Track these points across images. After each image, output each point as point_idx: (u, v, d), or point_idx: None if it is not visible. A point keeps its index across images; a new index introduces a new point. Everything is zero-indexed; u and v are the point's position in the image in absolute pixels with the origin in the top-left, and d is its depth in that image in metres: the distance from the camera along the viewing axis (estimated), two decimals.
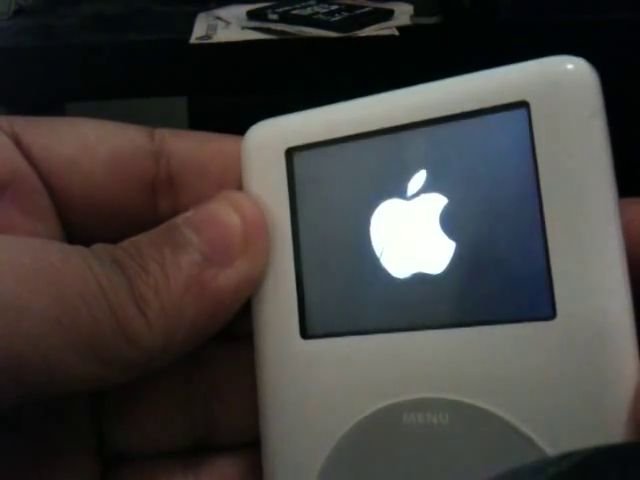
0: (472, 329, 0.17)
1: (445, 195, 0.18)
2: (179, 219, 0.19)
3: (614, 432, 0.16)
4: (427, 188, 0.18)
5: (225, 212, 0.19)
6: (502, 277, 0.17)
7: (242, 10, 0.62)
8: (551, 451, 0.17)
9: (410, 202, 0.18)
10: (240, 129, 0.21)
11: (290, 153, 0.20)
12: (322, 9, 0.60)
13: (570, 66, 0.17)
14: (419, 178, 0.18)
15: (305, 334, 0.19)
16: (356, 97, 0.19)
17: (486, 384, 0.17)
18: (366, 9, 0.60)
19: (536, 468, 0.16)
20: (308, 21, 0.58)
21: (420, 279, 0.18)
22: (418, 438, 0.18)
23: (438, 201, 0.18)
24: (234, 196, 0.19)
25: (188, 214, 0.19)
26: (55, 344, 0.16)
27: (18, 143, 0.19)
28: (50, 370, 0.16)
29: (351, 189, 0.19)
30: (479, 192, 0.17)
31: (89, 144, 0.20)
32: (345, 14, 0.59)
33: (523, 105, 0.17)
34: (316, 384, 0.19)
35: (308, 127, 0.20)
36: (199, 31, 0.58)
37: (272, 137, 0.20)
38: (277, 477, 0.19)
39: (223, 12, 0.64)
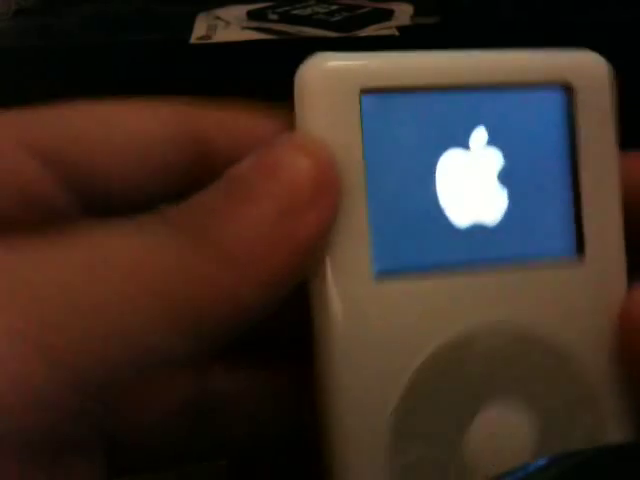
0: (520, 270, 0.21)
1: (502, 152, 0.21)
2: (243, 168, 0.18)
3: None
4: (487, 143, 0.21)
5: (293, 156, 0.18)
6: (543, 227, 0.21)
7: (242, 10, 0.62)
8: (589, 370, 0.21)
9: (472, 153, 0.21)
10: None
11: (363, 94, 0.20)
12: (322, 9, 0.60)
13: (599, 60, 0.21)
14: (480, 133, 0.21)
15: (376, 276, 0.20)
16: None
17: (534, 314, 0.21)
18: (366, 9, 0.60)
19: (537, 468, 0.16)
20: (308, 21, 0.58)
21: (477, 229, 0.21)
22: (484, 363, 0.21)
23: (496, 156, 0.21)
24: (300, 139, 0.19)
25: (251, 161, 0.18)
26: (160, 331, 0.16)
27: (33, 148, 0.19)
28: (157, 359, 0.16)
29: (419, 138, 0.20)
30: (528, 151, 0.21)
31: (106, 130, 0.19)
32: (345, 14, 0.59)
33: (568, 86, 0.21)
34: (386, 323, 0.20)
35: (382, 70, 0.20)
36: (199, 31, 0.58)
37: (342, 74, 0.20)
38: (347, 419, 0.20)
39: (223, 12, 0.64)
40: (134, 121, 0.20)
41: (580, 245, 0.21)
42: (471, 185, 0.21)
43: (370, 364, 0.20)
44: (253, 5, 0.63)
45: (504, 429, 0.21)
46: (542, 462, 0.16)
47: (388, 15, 0.59)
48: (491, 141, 0.21)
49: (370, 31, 0.56)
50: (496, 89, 0.21)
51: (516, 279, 0.21)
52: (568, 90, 0.21)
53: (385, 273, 0.20)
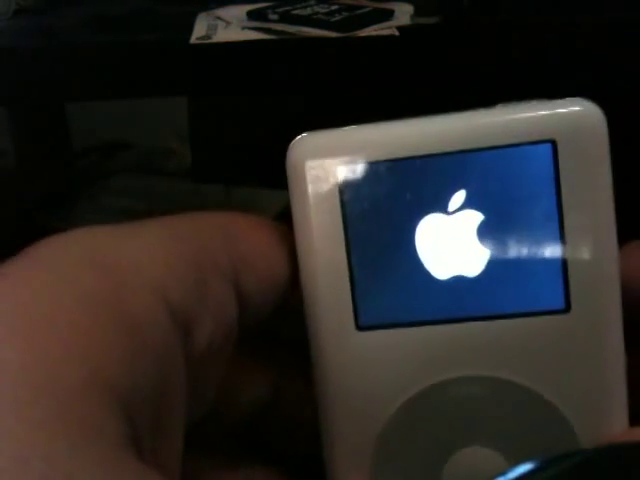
0: (502, 321, 0.21)
1: (482, 212, 0.21)
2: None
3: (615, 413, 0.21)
4: (466, 205, 0.22)
5: None
6: (526, 278, 0.21)
7: (242, 10, 0.62)
8: (572, 418, 0.21)
9: (451, 217, 0.22)
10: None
11: (341, 170, 0.22)
12: (322, 9, 0.60)
13: (589, 110, 0.21)
14: (459, 197, 0.21)
15: (359, 327, 0.22)
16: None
17: (518, 363, 0.21)
18: (366, 9, 0.60)
19: (537, 468, 0.16)
20: (308, 21, 0.58)
21: (458, 280, 0.22)
22: (462, 406, 0.22)
23: (476, 216, 0.21)
24: None
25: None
26: None
27: None
28: None
29: (399, 205, 0.22)
30: (510, 210, 0.21)
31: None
32: (345, 14, 0.59)
33: (551, 142, 0.21)
34: (369, 370, 0.22)
35: (360, 146, 0.22)
36: (199, 31, 0.58)
37: (323, 153, 0.22)
38: (336, 453, 0.22)
39: (223, 12, 0.64)
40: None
41: (566, 298, 0.21)
42: (452, 243, 0.22)
43: (353, 406, 0.22)
44: (253, 5, 0.63)
45: (480, 465, 0.22)
46: (542, 462, 0.16)
47: (388, 15, 0.59)
48: (471, 202, 0.21)
49: (370, 31, 0.56)
50: (478, 153, 0.21)
51: (497, 330, 0.21)
52: (552, 146, 0.21)
53: (368, 325, 0.22)
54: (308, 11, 0.60)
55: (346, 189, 0.22)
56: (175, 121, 0.84)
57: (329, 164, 0.22)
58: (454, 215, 0.22)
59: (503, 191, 0.21)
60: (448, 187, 0.21)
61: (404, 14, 0.59)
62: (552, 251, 0.21)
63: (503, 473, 0.16)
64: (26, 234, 0.42)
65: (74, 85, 0.55)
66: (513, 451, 0.21)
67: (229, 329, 0.20)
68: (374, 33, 0.56)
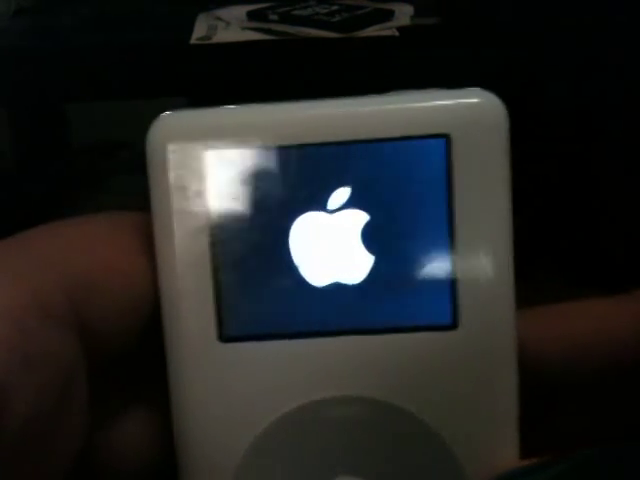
0: (385, 335, 0.19)
1: (367, 212, 0.19)
2: None
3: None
4: (350, 204, 0.19)
5: None
6: (412, 289, 0.19)
7: (242, 10, 0.62)
8: (455, 442, 0.19)
9: (332, 216, 0.19)
10: None
11: (207, 155, 0.19)
12: (322, 9, 0.60)
13: (488, 102, 0.19)
14: (342, 193, 0.19)
15: (222, 338, 0.19)
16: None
17: (397, 384, 0.19)
18: (366, 9, 0.60)
19: (536, 469, 0.16)
20: (308, 21, 0.58)
21: (338, 288, 0.19)
22: (335, 429, 0.19)
23: (360, 217, 0.19)
24: None
25: None
26: None
27: None
28: None
29: (272, 199, 0.19)
30: (399, 211, 0.19)
31: None
32: (345, 14, 0.59)
33: (444, 136, 0.19)
34: (233, 386, 0.19)
35: (229, 129, 0.19)
36: (199, 31, 0.58)
37: (188, 136, 0.19)
38: (193, 477, 0.20)
39: (223, 12, 0.64)
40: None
41: (453, 314, 0.19)
42: (332, 247, 0.19)
43: (212, 429, 0.19)
44: (253, 5, 0.63)
45: None
46: (541, 463, 0.16)
47: (388, 15, 0.59)
48: (354, 200, 0.19)
49: (370, 32, 0.56)
50: (365, 144, 0.19)
51: (379, 345, 0.19)
52: (445, 141, 0.19)
53: (233, 337, 0.19)
54: (308, 11, 0.60)
55: (213, 179, 0.19)
56: None
57: (194, 148, 0.19)
58: (335, 214, 0.19)
59: (391, 190, 0.19)
60: (329, 182, 0.19)
61: (404, 14, 0.59)
62: (440, 261, 0.19)
63: (504, 474, 0.16)
64: None
65: (74, 85, 0.55)
66: (389, 478, 0.19)
67: (65, 376, 0.18)
68: (374, 33, 0.56)
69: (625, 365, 0.19)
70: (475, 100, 0.19)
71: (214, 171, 0.19)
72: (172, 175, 0.19)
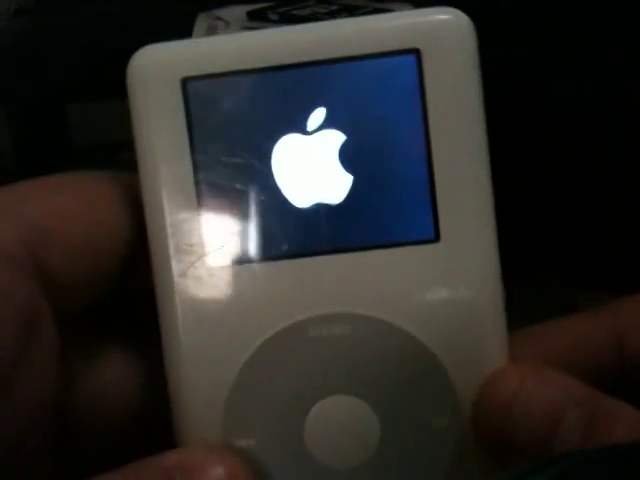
0: (368, 252, 0.19)
1: (343, 131, 0.19)
2: (168, 462, 0.18)
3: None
4: (326, 125, 0.19)
5: (211, 463, 0.18)
6: (392, 206, 0.19)
7: (242, 10, 0.62)
8: (444, 356, 0.19)
9: (310, 137, 0.20)
10: None
11: (186, 83, 0.20)
12: (322, 9, 0.60)
13: (456, 19, 0.20)
14: (318, 115, 0.19)
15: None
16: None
17: (382, 299, 0.19)
18: (366, 9, 0.60)
19: (536, 468, 0.16)
20: (308, 21, 0.58)
21: (319, 208, 0.20)
22: (323, 348, 0.20)
23: (336, 137, 0.19)
24: (218, 448, 0.19)
25: (174, 459, 0.18)
26: None
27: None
28: None
29: (251, 123, 0.20)
30: (374, 129, 0.19)
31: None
32: (345, 14, 0.59)
33: (415, 52, 0.19)
34: (220, 310, 0.20)
35: (205, 57, 0.20)
36: (199, 31, 0.58)
37: (165, 65, 0.20)
38: (186, 405, 0.20)
39: (223, 12, 0.64)
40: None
41: (435, 227, 0.19)
42: (311, 168, 0.20)
43: (202, 353, 0.20)
44: (253, 5, 0.63)
45: (345, 416, 0.20)
46: (541, 463, 0.16)
47: None
48: (331, 121, 0.19)
49: None
50: (336, 64, 0.19)
51: (362, 262, 0.20)
52: (416, 57, 0.19)
53: (217, 260, 0.20)
54: (308, 11, 0.60)
55: (193, 106, 0.19)
56: None
57: (173, 78, 0.20)
58: (313, 135, 0.19)
59: (366, 109, 0.19)
60: (306, 104, 0.19)
61: None
62: (418, 176, 0.19)
63: (504, 474, 0.16)
64: None
65: (74, 85, 0.55)
66: (380, 398, 0.20)
67: (25, 319, 0.18)
68: None
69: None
70: (444, 16, 0.19)
71: (194, 99, 0.19)
72: (153, 104, 0.20)
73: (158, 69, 0.20)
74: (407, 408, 0.20)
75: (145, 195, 0.20)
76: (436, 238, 0.19)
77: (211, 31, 0.59)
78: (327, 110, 0.19)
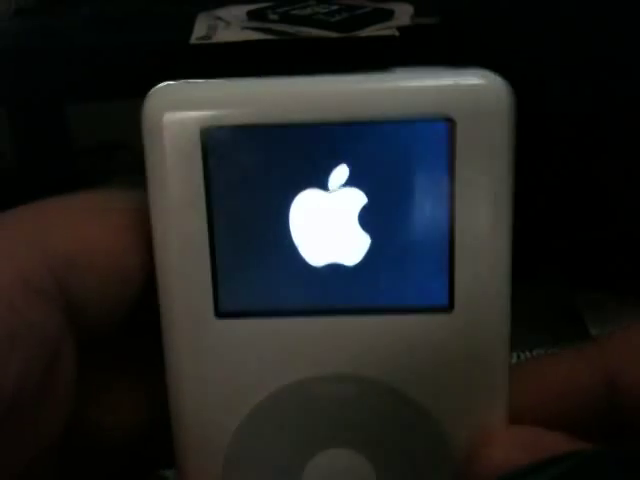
0: (380, 317, 0.19)
1: (365, 192, 0.19)
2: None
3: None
4: (348, 183, 0.19)
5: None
6: (408, 272, 0.19)
7: (242, 10, 0.62)
8: (445, 422, 0.19)
9: (330, 194, 0.19)
10: None
11: (205, 133, 0.18)
12: (322, 9, 0.60)
13: (492, 84, 0.18)
14: (340, 173, 0.19)
15: (219, 314, 0.19)
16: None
17: (388, 363, 0.19)
18: (366, 9, 0.60)
19: (536, 468, 0.16)
20: (308, 21, 0.58)
21: (333, 268, 0.19)
22: (325, 407, 0.19)
23: (358, 197, 0.19)
24: None
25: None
26: None
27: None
28: None
29: (271, 176, 0.19)
30: (397, 193, 0.19)
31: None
32: (345, 14, 0.59)
33: (448, 120, 0.18)
34: (228, 362, 0.19)
35: (227, 105, 0.19)
36: (199, 31, 0.58)
37: (184, 112, 0.19)
38: (188, 453, 0.20)
39: (223, 12, 0.64)
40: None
41: (450, 296, 0.19)
42: (330, 226, 0.19)
43: (207, 403, 0.20)
44: (253, 5, 0.63)
45: (343, 469, 0.20)
46: (542, 463, 0.16)
47: (388, 15, 0.59)
48: (353, 180, 0.19)
49: (370, 31, 0.56)
50: (366, 124, 0.19)
51: (372, 325, 0.19)
52: (448, 126, 0.18)
53: (229, 312, 0.19)
54: (308, 11, 0.60)
55: (211, 153, 0.18)
56: None
57: (193, 120, 0.18)
58: (334, 194, 0.19)
59: (391, 172, 0.19)
60: (329, 161, 0.19)
61: (404, 14, 0.59)
62: (437, 243, 0.19)
63: (504, 475, 0.16)
64: None
65: (74, 85, 0.55)
66: (377, 453, 0.20)
67: (50, 351, 0.18)
68: (374, 33, 0.56)
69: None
70: (479, 81, 0.18)
71: (213, 145, 0.18)
72: (169, 152, 0.18)
73: (176, 116, 0.18)
74: (406, 466, 0.20)
75: (156, 244, 0.19)
76: (450, 307, 0.19)
77: (211, 31, 0.59)
78: (350, 169, 0.19)
